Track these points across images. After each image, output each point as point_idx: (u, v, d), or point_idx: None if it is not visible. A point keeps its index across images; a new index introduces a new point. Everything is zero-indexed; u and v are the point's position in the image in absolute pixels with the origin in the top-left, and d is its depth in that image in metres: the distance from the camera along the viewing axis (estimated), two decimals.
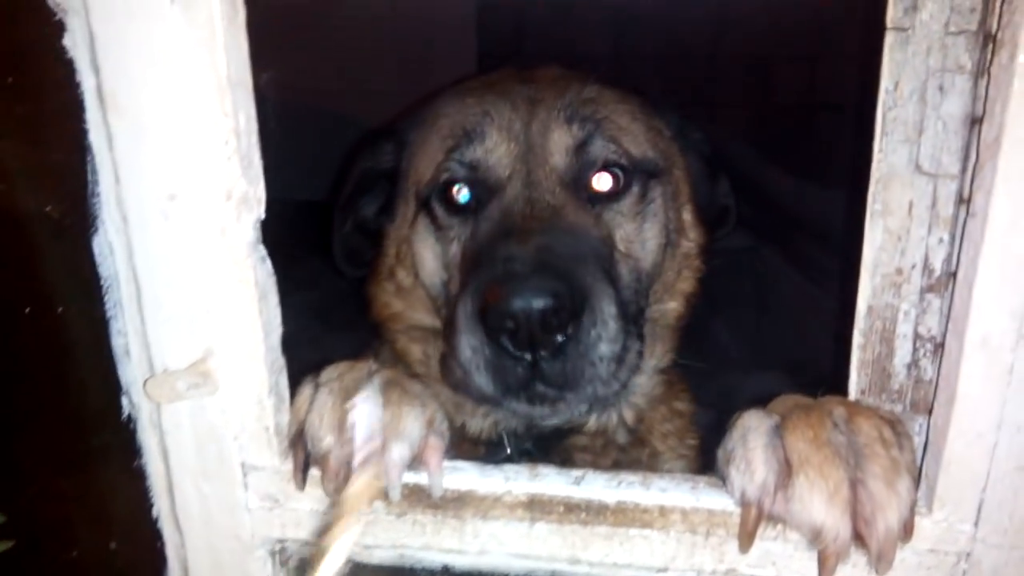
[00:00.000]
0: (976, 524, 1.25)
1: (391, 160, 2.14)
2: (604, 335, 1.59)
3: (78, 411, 1.42)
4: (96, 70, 1.14)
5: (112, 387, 1.36)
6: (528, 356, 1.55)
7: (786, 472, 1.21)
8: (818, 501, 1.18)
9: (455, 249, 1.88)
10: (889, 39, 1.21)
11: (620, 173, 1.92)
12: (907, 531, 1.20)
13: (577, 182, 1.87)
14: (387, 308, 2.10)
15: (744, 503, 1.24)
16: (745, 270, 4.56)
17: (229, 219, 1.18)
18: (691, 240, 2.10)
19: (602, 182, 1.91)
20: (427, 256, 1.96)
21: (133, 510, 1.42)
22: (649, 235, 1.95)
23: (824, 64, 4.86)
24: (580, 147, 1.89)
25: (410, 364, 2.05)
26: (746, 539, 1.25)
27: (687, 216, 2.10)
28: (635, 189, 1.94)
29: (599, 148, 1.90)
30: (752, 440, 1.25)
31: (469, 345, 1.59)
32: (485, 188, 1.88)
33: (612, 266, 1.79)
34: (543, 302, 1.50)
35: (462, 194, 1.90)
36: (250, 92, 1.17)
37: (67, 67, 1.16)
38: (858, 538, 1.19)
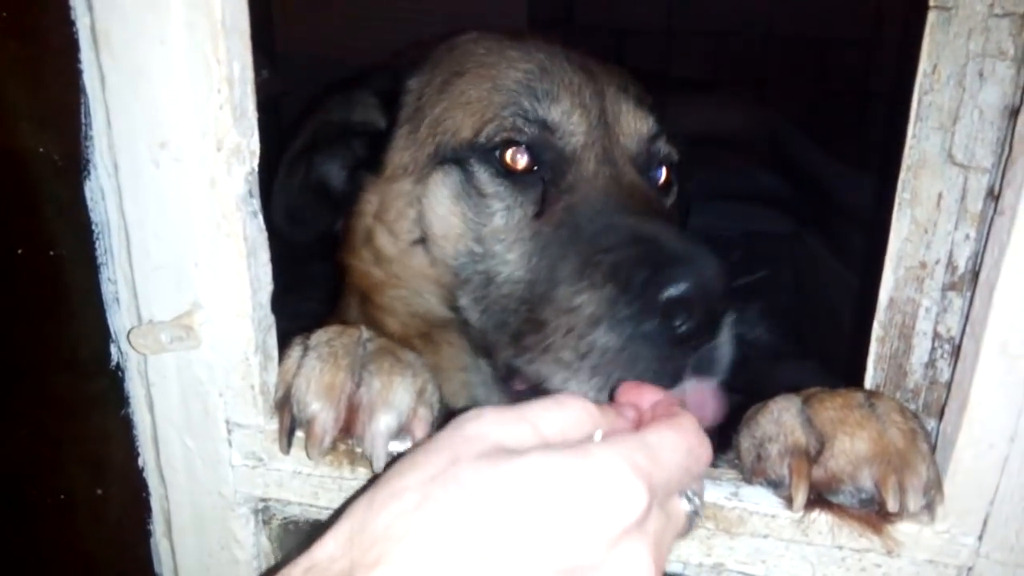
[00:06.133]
0: (980, 538, 1.19)
1: (374, 112, 1.90)
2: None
3: (72, 355, 1.41)
4: (90, 8, 1.10)
5: (105, 334, 1.36)
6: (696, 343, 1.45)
7: (820, 446, 1.19)
8: (861, 444, 1.15)
9: (503, 222, 1.68)
10: (931, 18, 1.14)
11: (671, 170, 1.92)
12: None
13: (644, 171, 1.81)
14: (367, 278, 1.88)
15: (796, 458, 1.19)
16: (785, 256, 4.48)
17: (220, 171, 1.15)
18: None
19: (662, 175, 1.90)
20: (452, 223, 1.72)
21: (121, 458, 1.42)
22: None
23: (879, 51, 4.71)
24: (652, 139, 1.84)
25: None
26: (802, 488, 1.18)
27: None
28: (675, 188, 1.94)
29: (663, 144, 1.87)
30: (785, 417, 1.23)
31: (622, 335, 1.41)
32: (556, 156, 1.70)
33: None
34: (723, 281, 1.41)
35: (521, 159, 1.70)
36: (247, 39, 1.13)
37: (62, 4, 1.13)
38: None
